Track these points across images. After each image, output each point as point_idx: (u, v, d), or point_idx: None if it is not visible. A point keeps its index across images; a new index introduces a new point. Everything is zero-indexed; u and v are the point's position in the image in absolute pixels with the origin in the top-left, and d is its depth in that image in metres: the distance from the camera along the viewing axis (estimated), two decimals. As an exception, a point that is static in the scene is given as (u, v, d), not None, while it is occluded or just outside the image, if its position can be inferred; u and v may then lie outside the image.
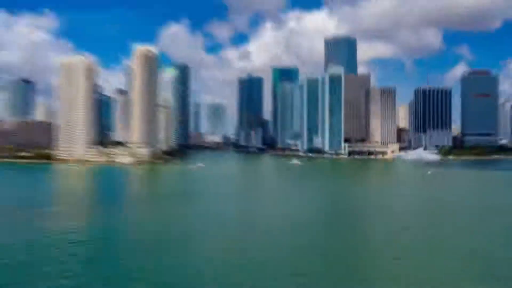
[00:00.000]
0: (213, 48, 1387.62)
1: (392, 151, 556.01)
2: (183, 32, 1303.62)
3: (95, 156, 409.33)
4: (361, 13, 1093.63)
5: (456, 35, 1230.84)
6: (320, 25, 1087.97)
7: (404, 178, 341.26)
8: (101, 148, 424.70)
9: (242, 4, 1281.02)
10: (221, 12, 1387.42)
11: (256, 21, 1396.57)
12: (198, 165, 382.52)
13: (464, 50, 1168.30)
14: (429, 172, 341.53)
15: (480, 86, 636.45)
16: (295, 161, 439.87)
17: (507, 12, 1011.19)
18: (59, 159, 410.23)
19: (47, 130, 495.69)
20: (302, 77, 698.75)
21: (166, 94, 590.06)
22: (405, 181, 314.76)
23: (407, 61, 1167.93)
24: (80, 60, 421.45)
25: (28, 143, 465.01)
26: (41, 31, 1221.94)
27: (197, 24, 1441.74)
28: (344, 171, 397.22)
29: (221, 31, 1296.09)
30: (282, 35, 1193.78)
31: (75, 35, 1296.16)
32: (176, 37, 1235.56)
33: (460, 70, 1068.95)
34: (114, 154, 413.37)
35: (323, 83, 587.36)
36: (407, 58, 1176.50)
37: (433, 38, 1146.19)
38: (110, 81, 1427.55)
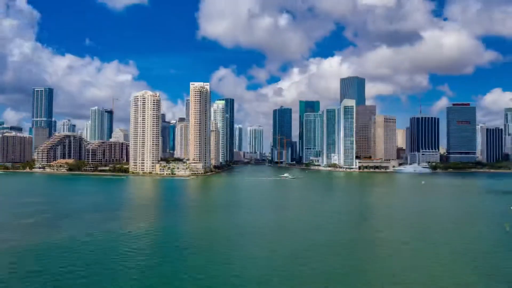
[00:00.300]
0: (253, 86, 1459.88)
1: (393, 166, 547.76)
2: (231, 75, 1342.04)
3: (160, 169, 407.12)
4: (366, 61, 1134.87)
5: (439, 77, 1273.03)
6: (334, 69, 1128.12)
7: (405, 186, 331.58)
8: (164, 163, 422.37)
9: (276, 54, 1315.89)
10: (260, 61, 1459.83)
11: (286, 67, 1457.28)
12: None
13: (445, 88, 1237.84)
14: (423, 182, 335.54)
15: (462, 115, 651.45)
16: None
17: (477, 60, 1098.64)
18: (132, 172, 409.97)
19: (123, 149, 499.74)
20: (322, 108, 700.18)
21: (216, 121, 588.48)
22: (406, 188, 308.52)
23: (402, 97, 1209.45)
24: (148, 94, 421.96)
25: (108, 159, 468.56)
26: (124, 74, 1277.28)
27: (242, 69, 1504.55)
28: (360, 181, 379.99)
29: (260, 74, 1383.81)
30: (306, 76, 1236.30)
31: (150, 77, 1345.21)
32: (225, 78, 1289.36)
33: (442, 103, 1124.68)
34: (175, 168, 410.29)
35: (339, 112, 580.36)
36: (402, 94, 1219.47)
37: (421, 80, 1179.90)
38: (175, 112, 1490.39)
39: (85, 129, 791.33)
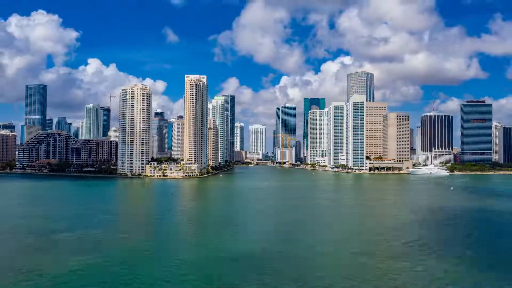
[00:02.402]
0: (258, 89, 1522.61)
1: (407, 167, 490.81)
2: (238, 84, 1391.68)
3: (150, 171, 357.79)
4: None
5: (431, 87, 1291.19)
6: (338, 72, 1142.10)
7: (437, 195, 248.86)
8: (155, 164, 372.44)
9: (279, 67, 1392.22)
10: (265, 72, 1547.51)
11: (290, 74, 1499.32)
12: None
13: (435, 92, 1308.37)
14: (451, 188, 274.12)
15: (477, 113, 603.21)
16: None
17: (466, 74, 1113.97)
18: (120, 174, 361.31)
19: (111, 148, 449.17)
20: (329, 105, 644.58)
21: (215, 118, 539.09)
22: (442, 199, 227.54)
23: (400, 102, 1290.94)
24: (137, 87, 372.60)
25: (95, 159, 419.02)
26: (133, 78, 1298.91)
27: (249, 78, 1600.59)
28: (379, 185, 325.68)
29: (265, 81, 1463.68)
30: (305, 81, 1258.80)
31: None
32: (233, 86, 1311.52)
33: (436, 103, 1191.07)
34: (167, 170, 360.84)
35: (347, 109, 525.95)
36: (399, 100, 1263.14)
37: (415, 88, 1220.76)
38: (176, 110, 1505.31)
39: (80, 127, 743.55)
